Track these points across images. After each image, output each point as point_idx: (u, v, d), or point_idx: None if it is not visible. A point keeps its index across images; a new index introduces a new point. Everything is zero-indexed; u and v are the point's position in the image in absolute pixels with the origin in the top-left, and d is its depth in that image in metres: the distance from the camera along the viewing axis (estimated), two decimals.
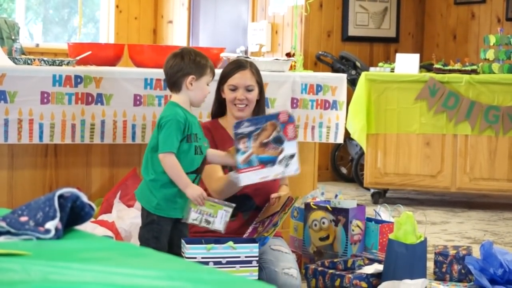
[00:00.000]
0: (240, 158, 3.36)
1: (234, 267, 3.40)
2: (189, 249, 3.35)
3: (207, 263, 3.34)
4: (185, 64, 3.39)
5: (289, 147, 3.42)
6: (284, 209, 3.67)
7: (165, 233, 3.38)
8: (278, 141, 3.41)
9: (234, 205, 3.39)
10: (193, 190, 3.31)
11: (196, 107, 3.48)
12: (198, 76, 3.38)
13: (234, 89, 3.80)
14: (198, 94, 3.40)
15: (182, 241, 3.40)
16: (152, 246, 3.30)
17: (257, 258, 3.44)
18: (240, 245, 3.42)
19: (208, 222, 3.35)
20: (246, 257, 3.42)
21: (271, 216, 3.67)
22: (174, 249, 3.41)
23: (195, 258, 3.34)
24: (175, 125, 3.31)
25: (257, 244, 3.47)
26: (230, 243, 3.40)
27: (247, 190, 3.75)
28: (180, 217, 3.37)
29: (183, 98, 3.41)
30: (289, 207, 3.68)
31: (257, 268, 3.43)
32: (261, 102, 3.86)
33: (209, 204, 3.35)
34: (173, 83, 3.42)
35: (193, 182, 3.37)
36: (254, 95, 3.81)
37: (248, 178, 3.38)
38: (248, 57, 4.62)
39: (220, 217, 3.36)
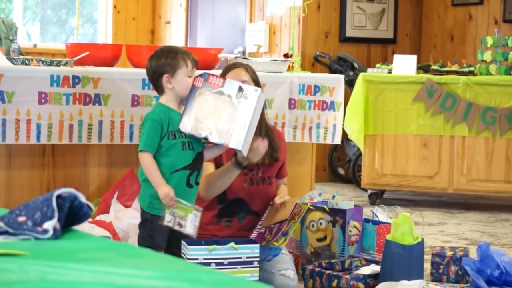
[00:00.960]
0: (214, 138, 3.32)
1: (236, 268, 3.38)
2: (191, 251, 3.33)
3: (209, 264, 3.32)
4: (155, 65, 3.39)
5: (230, 88, 3.35)
6: (294, 218, 3.64)
7: (159, 231, 3.36)
8: (218, 96, 3.34)
9: (201, 209, 3.32)
10: (161, 189, 3.28)
11: None
12: (172, 73, 3.37)
13: None
14: (180, 89, 3.38)
15: (183, 242, 3.38)
16: (147, 244, 3.30)
17: (258, 259, 3.43)
18: (242, 246, 3.42)
19: (180, 225, 3.28)
20: (247, 257, 3.41)
21: (279, 223, 3.62)
22: (173, 250, 3.39)
23: (197, 259, 3.31)
24: (150, 124, 3.34)
25: (258, 245, 3.45)
26: (232, 244, 3.39)
27: (241, 195, 3.73)
28: None
29: (167, 97, 3.42)
30: (299, 215, 3.65)
31: (258, 268, 3.43)
32: None
33: (180, 206, 3.28)
34: (155, 86, 3.46)
35: (188, 178, 3.36)
36: None
37: (236, 140, 3.29)
38: (246, 58, 4.63)
39: (190, 221, 3.27)
